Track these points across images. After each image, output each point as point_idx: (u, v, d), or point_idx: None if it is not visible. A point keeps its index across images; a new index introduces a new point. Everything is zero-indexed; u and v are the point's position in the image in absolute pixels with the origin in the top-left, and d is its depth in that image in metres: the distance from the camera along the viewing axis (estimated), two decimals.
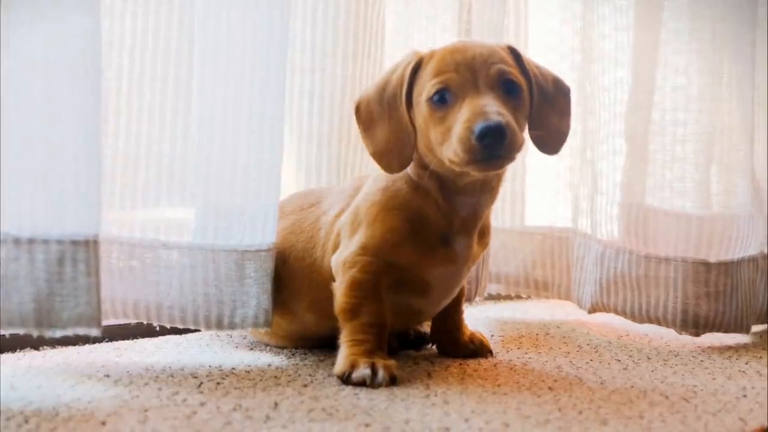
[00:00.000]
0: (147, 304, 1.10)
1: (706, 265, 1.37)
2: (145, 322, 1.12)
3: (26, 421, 0.83)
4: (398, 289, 1.09)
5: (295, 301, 1.15)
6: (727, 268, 1.38)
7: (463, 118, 0.97)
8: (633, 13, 1.45)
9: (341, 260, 1.07)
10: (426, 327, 1.26)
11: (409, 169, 1.08)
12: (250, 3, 1.09)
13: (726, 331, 1.38)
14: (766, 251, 1.45)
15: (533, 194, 1.63)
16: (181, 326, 1.12)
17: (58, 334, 0.95)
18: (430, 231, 1.07)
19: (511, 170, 1.57)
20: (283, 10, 1.10)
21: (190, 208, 1.12)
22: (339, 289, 1.07)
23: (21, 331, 0.95)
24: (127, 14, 1.10)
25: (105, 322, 1.20)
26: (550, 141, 1.09)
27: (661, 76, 1.44)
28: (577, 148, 1.52)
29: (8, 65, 0.92)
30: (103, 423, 0.83)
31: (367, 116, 1.08)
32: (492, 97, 0.99)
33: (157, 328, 1.19)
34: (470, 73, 1.01)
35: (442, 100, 1.01)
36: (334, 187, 1.25)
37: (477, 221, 1.09)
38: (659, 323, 1.39)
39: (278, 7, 1.10)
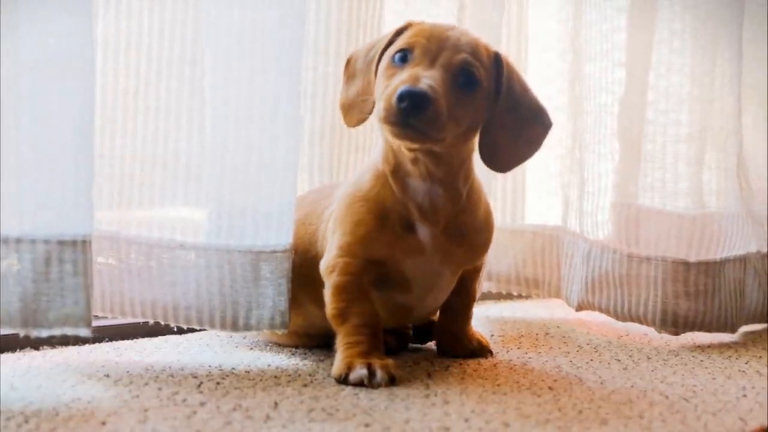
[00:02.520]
0: (164, 304, 1.10)
1: (686, 264, 1.37)
2: (162, 323, 1.12)
3: (26, 421, 0.83)
4: (382, 287, 1.09)
5: (302, 292, 1.14)
6: (708, 267, 1.37)
7: (398, 79, 0.99)
8: (627, 14, 1.45)
9: (325, 265, 1.08)
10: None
11: (380, 154, 1.08)
12: (263, 1, 1.08)
13: (708, 331, 1.38)
14: (765, 251, 1.45)
15: (529, 194, 1.62)
16: (197, 327, 1.12)
17: (44, 333, 0.95)
18: (393, 218, 1.07)
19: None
20: (295, 7, 1.10)
21: (204, 208, 1.12)
22: (327, 295, 1.08)
23: (7, 331, 0.95)
24: (144, 12, 1.10)
25: (111, 322, 1.21)
26: (496, 158, 1.09)
27: (654, 75, 1.45)
28: (569, 147, 1.52)
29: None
30: (103, 423, 0.83)
31: (351, 69, 1.12)
32: (438, 75, 1.00)
33: (174, 328, 1.17)
34: (437, 48, 1.02)
35: (403, 59, 1.03)
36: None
37: (436, 214, 1.07)
38: (640, 322, 1.39)
39: (291, 5, 1.10)
